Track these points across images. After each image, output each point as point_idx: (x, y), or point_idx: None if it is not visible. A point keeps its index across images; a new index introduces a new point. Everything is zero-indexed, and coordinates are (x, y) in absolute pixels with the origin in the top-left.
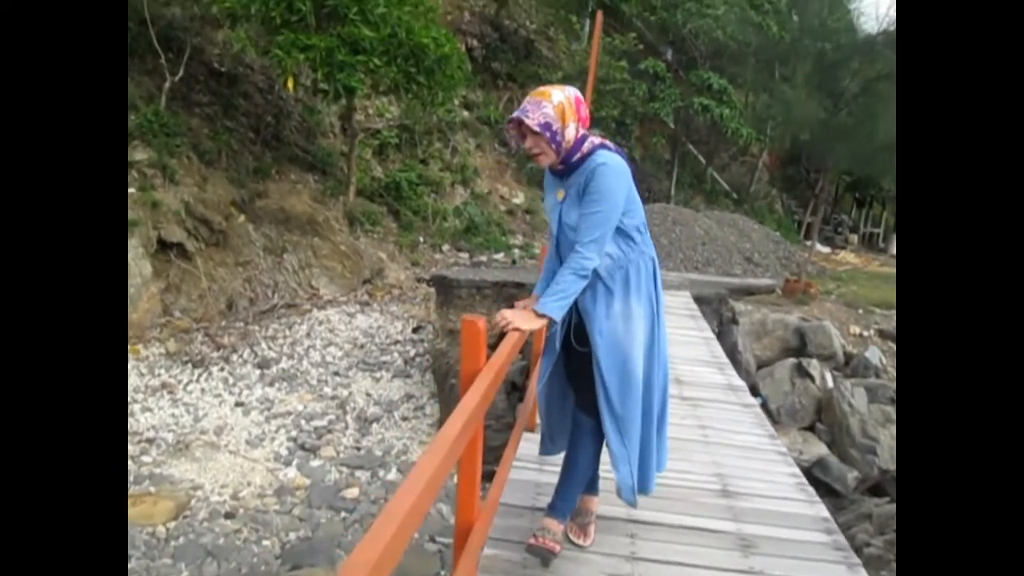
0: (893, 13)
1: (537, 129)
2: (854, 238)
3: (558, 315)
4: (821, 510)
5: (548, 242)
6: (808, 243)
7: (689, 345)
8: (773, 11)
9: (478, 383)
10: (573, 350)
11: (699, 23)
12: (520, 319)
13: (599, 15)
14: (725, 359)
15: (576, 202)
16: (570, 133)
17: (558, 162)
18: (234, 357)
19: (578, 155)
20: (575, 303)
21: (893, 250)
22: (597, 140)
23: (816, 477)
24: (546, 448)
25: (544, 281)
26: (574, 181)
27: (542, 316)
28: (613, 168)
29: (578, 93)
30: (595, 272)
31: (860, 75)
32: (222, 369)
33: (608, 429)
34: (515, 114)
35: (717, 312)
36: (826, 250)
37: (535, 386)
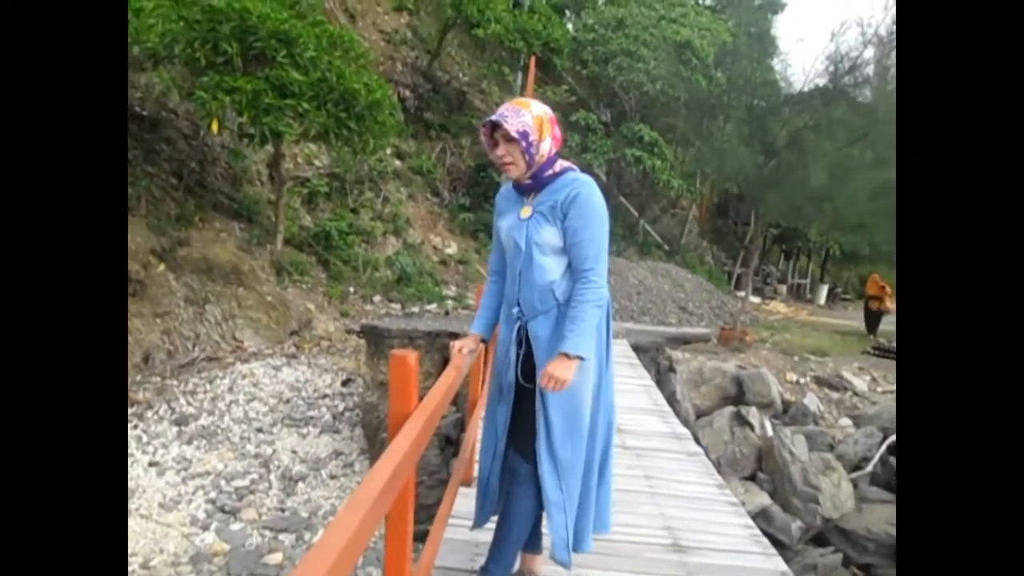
0: (819, 66)
1: (515, 135)
2: (783, 288)
3: (592, 351)
4: (779, 563)
5: (490, 272)
6: (741, 293)
7: (630, 393)
8: (701, 66)
9: (409, 427)
10: (519, 389)
11: (629, 76)
12: (563, 371)
13: (532, 62)
14: (667, 407)
15: (549, 221)
16: (545, 148)
17: (527, 176)
18: (149, 414)
19: (549, 172)
20: (526, 330)
21: (821, 300)
22: (566, 163)
23: (760, 528)
24: (485, 514)
25: (482, 319)
26: (545, 199)
27: (575, 358)
28: (594, 188)
29: (553, 113)
30: (553, 296)
31: (789, 126)
32: (135, 427)
33: (544, 472)
34: (493, 117)
35: (655, 361)
36: (756, 300)
37: (471, 435)
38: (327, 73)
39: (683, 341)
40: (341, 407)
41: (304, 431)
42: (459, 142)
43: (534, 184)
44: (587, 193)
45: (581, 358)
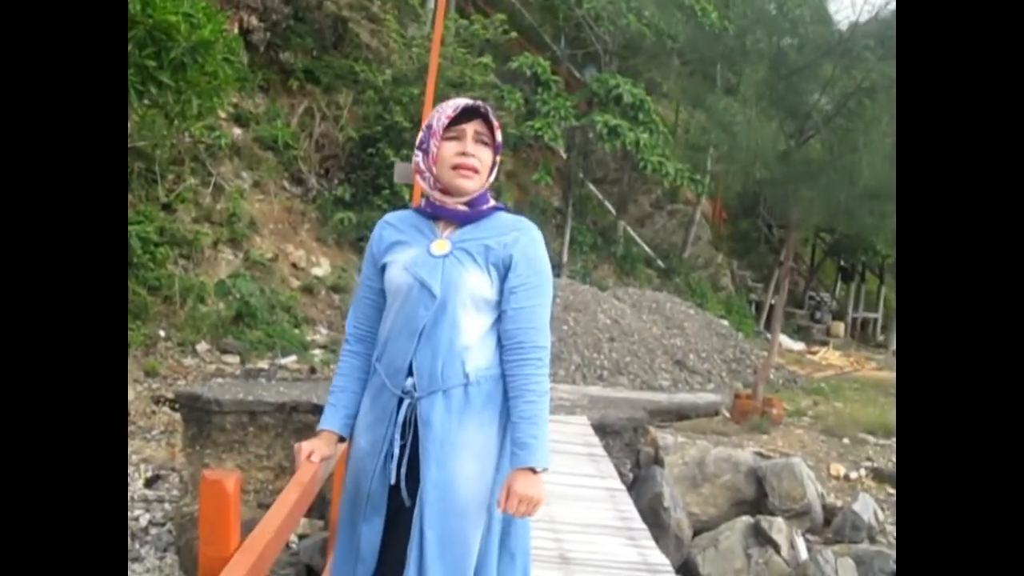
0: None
1: (498, 140)
2: (840, 327)
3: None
4: None
5: (351, 337)
6: (770, 336)
7: (585, 502)
8: None
9: None
10: (392, 502)
11: (599, 3)
12: (536, 488)
13: None
14: (639, 523)
15: (478, 265)
16: (494, 170)
17: (466, 200)
18: None
19: (487, 205)
20: (415, 413)
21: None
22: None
23: None
24: None
25: (340, 408)
26: (473, 236)
27: (541, 472)
28: (542, 238)
29: None
30: (463, 368)
31: (834, 86)
32: None
33: None
34: (478, 104)
35: (631, 447)
36: (799, 346)
37: None
38: None
39: (678, 416)
40: (144, 520)
41: None
42: (334, 99)
43: (463, 213)
44: (539, 243)
45: (546, 470)
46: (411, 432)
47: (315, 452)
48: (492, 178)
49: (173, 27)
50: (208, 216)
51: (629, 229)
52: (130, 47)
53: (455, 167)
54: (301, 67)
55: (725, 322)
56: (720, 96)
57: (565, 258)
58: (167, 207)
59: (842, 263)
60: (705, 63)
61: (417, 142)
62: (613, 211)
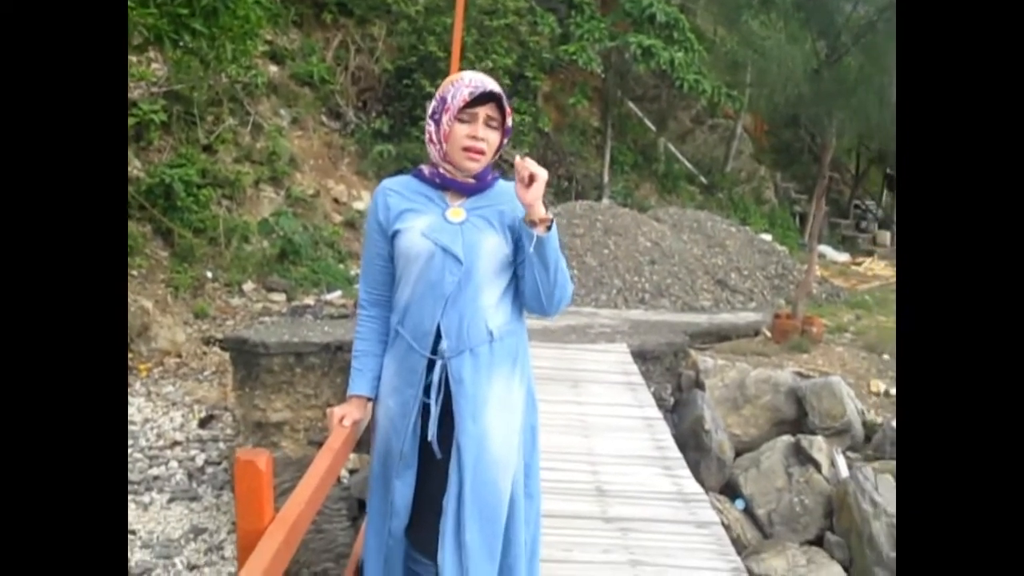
0: None
1: (508, 125)
2: (886, 236)
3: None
4: None
5: (367, 302)
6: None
7: (622, 433)
8: None
9: (263, 549)
10: (423, 459)
11: None
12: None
13: None
14: (675, 452)
15: (496, 230)
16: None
17: (473, 174)
18: None
19: (490, 176)
20: (447, 372)
21: None
22: None
23: None
24: None
25: (366, 372)
26: (483, 204)
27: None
28: None
29: None
30: (486, 326)
31: (864, 6)
32: None
33: (446, 563)
34: (494, 87)
35: (672, 371)
36: (843, 257)
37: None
38: None
39: (719, 337)
40: (200, 460)
41: (145, 499)
42: (368, 31)
43: (471, 185)
44: None
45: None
46: (441, 391)
47: (347, 416)
48: (496, 156)
49: None
50: (248, 155)
51: (670, 146)
52: None
53: (465, 148)
54: (334, 0)
55: (768, 238)
56: (753, 13)
57: (606, 179)
58: (208, 148)
59: (888, 171)
60: None
61: (429, 111)
62: (653, 129)
